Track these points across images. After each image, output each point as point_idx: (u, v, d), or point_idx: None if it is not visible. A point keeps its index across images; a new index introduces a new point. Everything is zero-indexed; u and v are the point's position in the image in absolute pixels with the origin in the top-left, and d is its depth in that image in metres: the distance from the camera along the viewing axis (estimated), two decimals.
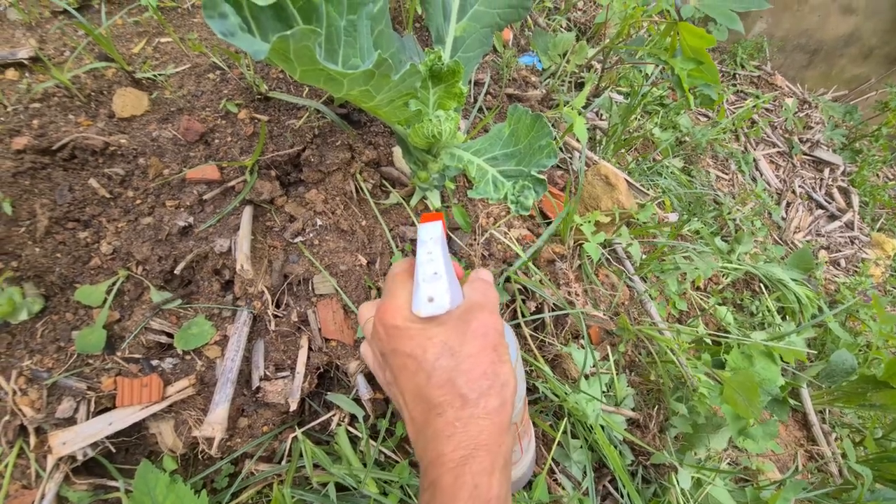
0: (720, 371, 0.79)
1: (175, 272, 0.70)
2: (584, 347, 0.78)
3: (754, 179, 1.65)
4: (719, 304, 1.10)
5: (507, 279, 0.80)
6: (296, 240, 0.74)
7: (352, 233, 0.76)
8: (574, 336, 0.85)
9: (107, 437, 0.62)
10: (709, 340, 0.92)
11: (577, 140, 1.05)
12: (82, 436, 0.61)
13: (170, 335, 0.68)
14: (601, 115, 1.31)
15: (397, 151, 0.83)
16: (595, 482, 0.75)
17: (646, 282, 1.01)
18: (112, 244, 0.70)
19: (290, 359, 0.70)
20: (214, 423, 0.63)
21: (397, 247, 0.78)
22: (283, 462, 0.68)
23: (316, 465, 0.66)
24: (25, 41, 0.83)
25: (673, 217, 1.19)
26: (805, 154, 1.87)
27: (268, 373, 0.69)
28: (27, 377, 0.64)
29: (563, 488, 0.75)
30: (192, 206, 0.74)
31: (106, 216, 0.72)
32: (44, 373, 0.64)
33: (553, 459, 0.76)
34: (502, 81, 1.05)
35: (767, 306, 1.15)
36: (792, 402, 1.03)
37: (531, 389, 0.78)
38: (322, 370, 0.71)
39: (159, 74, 0.83)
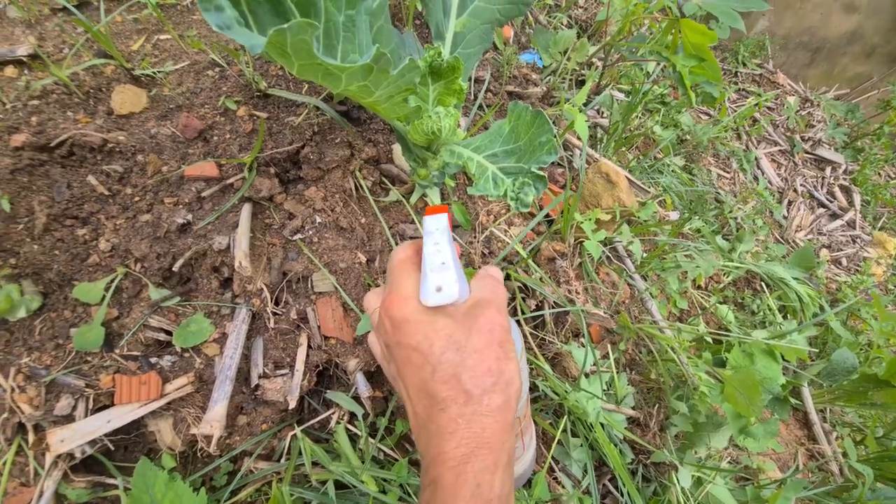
0: (721, 369, 0.79)
1: (174, 269, 0.70)
2: (584, 346, 0.78)
3: (756, 178, 1.64)
4: (720, 303, 1.10)
5: (507, 276, 0.80)
6: (295, 237, 0.74)
7: (351, 230, 0.76)
8: (574, 334, 0.84)
9: (105, 435, 0.62)
10: (709, 339, 0.92)
11: (578, 137, 1.04)
12: (80, 433, 0.61)
13: (168, 333, 0.68)
14: (602, 112, 1.30)
15: (397, 149, 0.83)
16: (595, 481, 0.75)
17: (646, 280, 1.00)
18: (110, 241, 0.70)
19: (290, 356, 0.69)
20: (213, 421, 0.63)
21: (397, 244, 0.78)
22: (283, 460, 0.68)
23: (315, 463, 0.65)
24: (25, 39, 0.83)
25: (674, 215, 1.19)
26: (807, 152, 1.86)
27: (267, 370, 0.68)
28: (25, 374, 0.64)
29: (563, 487, 0.75)
30: (190, 203, 0.73)
31: (104, 213, 0.72)
32: (42, 370, 0.64)
33: (553, 458, 0.76)
34: (503, 79, 1.05)
35: (769, 305, 1.15)
36: (793, 400, 1.02)
37: (531, 388, 0.78)
38: (321, 368, 0.71)
39: (158, 71, 0.83)
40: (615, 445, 0.76)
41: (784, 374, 0.89)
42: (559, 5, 1.40)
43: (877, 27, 2.11)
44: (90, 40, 0.83)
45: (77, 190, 0.71)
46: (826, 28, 2.13)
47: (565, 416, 0.74)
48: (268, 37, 0.32)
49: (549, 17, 1.34)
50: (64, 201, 0.70)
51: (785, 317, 1.17)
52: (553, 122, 1.03)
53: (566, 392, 0.73)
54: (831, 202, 1.74)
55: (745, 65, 2.04)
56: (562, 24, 1.34)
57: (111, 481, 0.63)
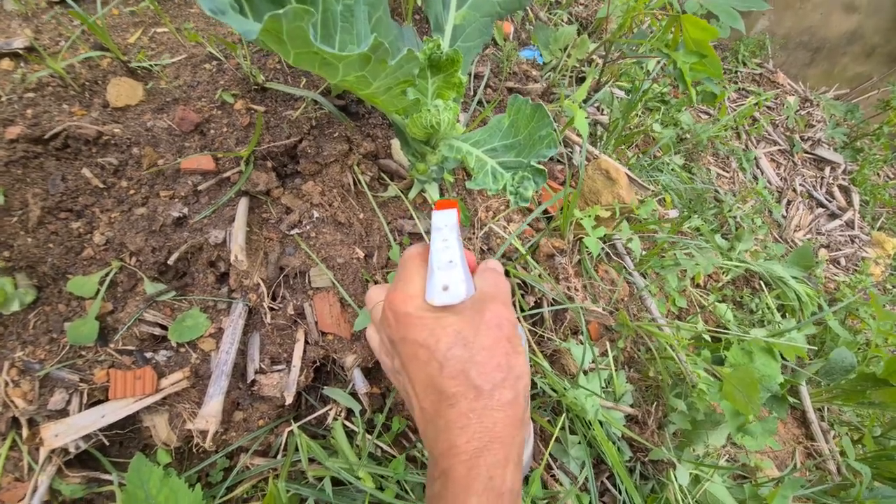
0: (720, 367, 0.78)
1: (169, 263, 0.69)
2: (583, 343, 0.77)
3: (755, 177, 1.64)
4: (719, 301, 1.09)
5: (506, 273, 0.79)
6: (292, 232, 0.73)
7: (349, 225, 0.75)
8: (573, 331, 0.84)
9: (100, 430, 0.62)
10: (708, 337, 0.92)
11: (578, 134, 1.04)
12: (75, 428, 0.60)
13: (164, 327, 0.68)
14: (602, 109, 1.30)
15: (395, 143, 0.82)
16: (593, 478, 0.75)
17: (646, 278, 1.00)
18: (105, 234, 0.69)
19: (286, 352, 0.69)
20: (209, 416, 0.62)
21: (395, 240, 0.77)
22: (279, 456, 0.68)
23: (312, 460, 0.65)
24: (21, 31, 0.82)
25: (673, 213, 1.18)
26: (806, 152, 1.86)
27: (263, 366, 0.68)
28: (19, 368, 0.63)
29: (561, 484, 0.74)
30: (186, 196, 0.73)
31: (99, 206, 0.71)
32: (36, 364, 0.63)
33: (551, 455, 0.75)
34: (502, 74, 1.04)
35: (767, 304, 1.15)
36: (791, 399, 1.02)
37: (530, 385, 0.77)
38: (318, 364, 0.70)
39: (155, 64, 0.82)
40: (613, 443, 0.76)
41: (782, 372, 0.89)
42: (560, 2, 1.39)
43: (877, 27, 2.11)
44: (86, 33, 0.82)
45: (72, 183, 0.71)
46: (826, 28, 2.13)
47: (563, 414, 0.74)
48: (263, 23, 0.32)
49: (550, 13, 1.34)
50: (58, 194, 0.70)
51: (783, 316, 1.17)
52: (553, 119, 1.03)
53: (564, 389, 0.73)
54: (830, 202, 1.74)
55: (745, 64, 2.03)
56: (562, 20, 1.33)
57: (106, 477, 0.63)
